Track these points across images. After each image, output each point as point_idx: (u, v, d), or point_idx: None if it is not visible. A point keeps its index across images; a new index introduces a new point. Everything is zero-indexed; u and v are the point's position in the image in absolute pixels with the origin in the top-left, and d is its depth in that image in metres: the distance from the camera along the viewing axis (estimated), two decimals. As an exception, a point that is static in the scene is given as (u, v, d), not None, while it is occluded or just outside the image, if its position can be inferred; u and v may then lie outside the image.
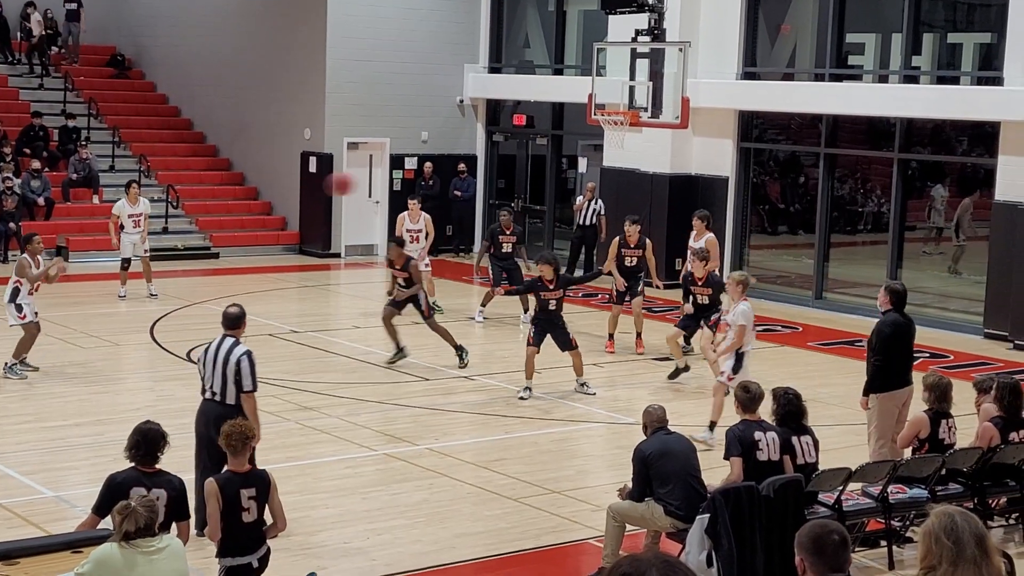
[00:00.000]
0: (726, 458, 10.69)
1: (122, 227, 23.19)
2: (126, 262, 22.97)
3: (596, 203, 25.53)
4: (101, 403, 15.88)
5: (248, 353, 11.19)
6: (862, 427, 13.42)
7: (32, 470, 13.17)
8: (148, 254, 23.34)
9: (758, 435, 10.60)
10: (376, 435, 14.86)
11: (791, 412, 10.89)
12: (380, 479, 13.33)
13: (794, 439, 10.81)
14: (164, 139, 31.80)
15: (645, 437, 10.74)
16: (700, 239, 19.51)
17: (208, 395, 11.26)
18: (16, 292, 16.95)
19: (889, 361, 12.83)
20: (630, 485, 10.73)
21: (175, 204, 29.15)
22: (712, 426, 14.58)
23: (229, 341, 11.29)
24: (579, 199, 26.01)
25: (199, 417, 11.20)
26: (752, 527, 9.99)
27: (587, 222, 25.64)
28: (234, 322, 11.48)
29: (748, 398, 10.85)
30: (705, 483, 10.60)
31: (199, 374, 11.37)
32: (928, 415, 11.78)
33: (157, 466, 8.90)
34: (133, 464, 8.87)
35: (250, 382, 11.12)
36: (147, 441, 8.85)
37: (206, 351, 11.34)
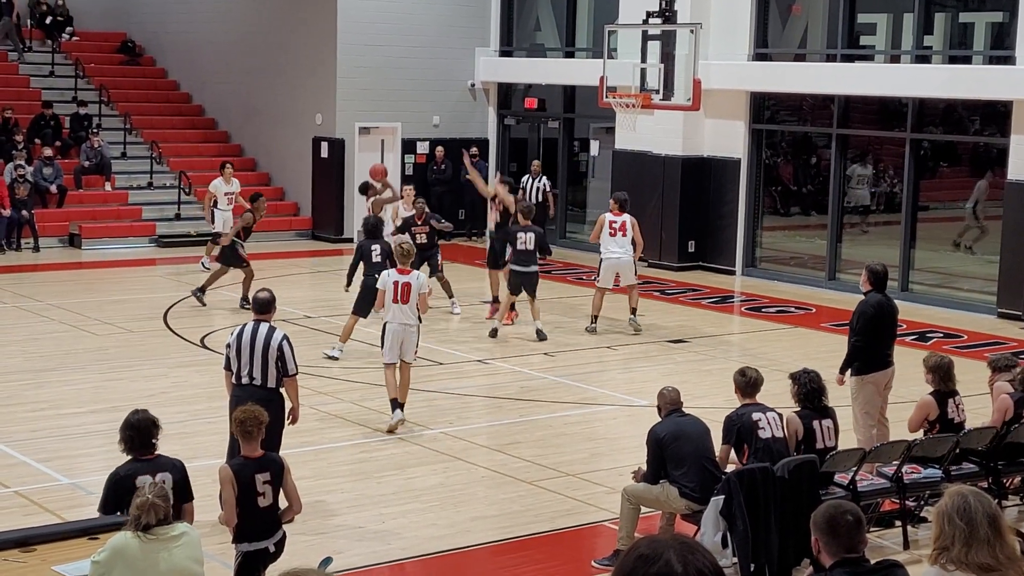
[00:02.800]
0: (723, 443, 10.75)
1: (215, 204, 24.19)
2: (217, 235, 23.57)
3: (540, 180, 25.86)
4: (116, 390, 15.91)
5: (286, 337, 11.40)
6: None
7: (47, 457, 13.22)
8: None
9: (757, 415, 10.61)
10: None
11: (812, 390, 10.88)
12: (395, 463, 13.35)
13: (815, 423, 10.80)
14: (175, 125, 31.82)
15: (660, 419, 10.75)
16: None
17: (246, 380, 11.29)
18: None
19: (871, 342, 12.80)
20: (644, 468, 10.75)
21: (187, 191, 29.16)
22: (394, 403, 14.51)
23: (264, 327, 11.37)
24: (524, 179, 26.45)
25: (238, 404, 10.62)
26: (767, 508, 10.01)
27: (534, 200, 25.85)
28: (265, 307, 11.60)
29: (744, 382, 10.87)
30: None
31: (232, 361, 11.37)
32: (935, 397, 11.76)
33: (156, 452, 8.90)
34: (131, 456, 8.87)
35: (293, 365, 11.35)
36: (140, 432, 8.80)
37: (239, 337, 11.35)
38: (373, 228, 18.40)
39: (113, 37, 34.10)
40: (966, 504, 5.83)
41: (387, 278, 14.47)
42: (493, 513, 11.98)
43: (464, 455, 13.61)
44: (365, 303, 17.45)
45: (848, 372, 12.85)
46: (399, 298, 14.29)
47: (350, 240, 28.30)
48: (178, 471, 8.82)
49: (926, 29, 23.46)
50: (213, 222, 24.20)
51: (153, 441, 8.85)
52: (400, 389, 14.43)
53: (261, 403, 9.80)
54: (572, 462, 13.50)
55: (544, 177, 26.18)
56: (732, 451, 10.68)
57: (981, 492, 6.09)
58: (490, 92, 30.31)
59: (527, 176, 26.46)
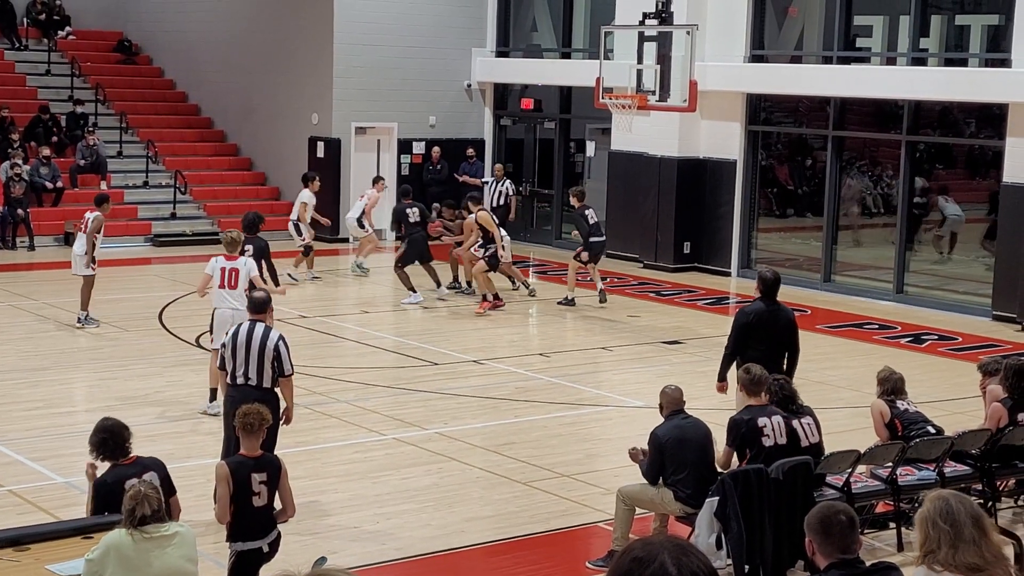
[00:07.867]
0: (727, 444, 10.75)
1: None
2: (310, 248, 24.16)
3: (504, 184, 26.01)
4: (110, 389, 15.89)
5: (282, 337, 11.37)
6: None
7: (41, 456, 13.21)
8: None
9: (762, 421, 10.57)
10: (385, 419, 14.88)
11: (784, 397, 10.92)
12: (389, 463, 13.35)
13: (795, 422, 10.80)
14: (171, 124, 31.78)
15: (662, 417, 10.74)
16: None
17: (241, 381, 11.27)
18: None
19: (740, 351, 12.71)
20: (642, 448, 10.74)
21: (183, 190, 29.14)
22: (213, 393, 14.49)
23: (260, 327, 11.35)
24: (487, 180, 26.83)
25: (232, 405, 10.69)
26: (761, 510, 10.01)
27: (496, 203, 25.84)
28: (261, 307, 11.60)
29: (749, 379, 10.84)
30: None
31: (227, 360, 11.36)
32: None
33: (133, 455, 8.89)
34: (111, 463, 8.84)
35: (289, 366, 11.32)
36: (114, 435, 8.85)
37: (234, 337, 11.34)
38: None
39: (110, 36, 34.05)
40: (948, 507, 5.86)
41: (215, 264, 14.74)
42: (488, 514, 11.98)
43: (459, 456, 13.61)
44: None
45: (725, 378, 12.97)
46: (226, 283, 14.58)
47: (346, 240, 28.33)
48: (161, 468, 8.86)
49: (922, 31, 23.48)
50: (301, 234, 24.26)
51: (127, 445, 8.86)
52: None
53: (259, 403, 9.80)
54: (567, 463, 13.50)
55: (508, 180, 26.53)
56: (734, 453, 10.66)
57: (962, 494, 6.11)
58: (486, 92, 30.31)
59: (491, 179, 26.65)
